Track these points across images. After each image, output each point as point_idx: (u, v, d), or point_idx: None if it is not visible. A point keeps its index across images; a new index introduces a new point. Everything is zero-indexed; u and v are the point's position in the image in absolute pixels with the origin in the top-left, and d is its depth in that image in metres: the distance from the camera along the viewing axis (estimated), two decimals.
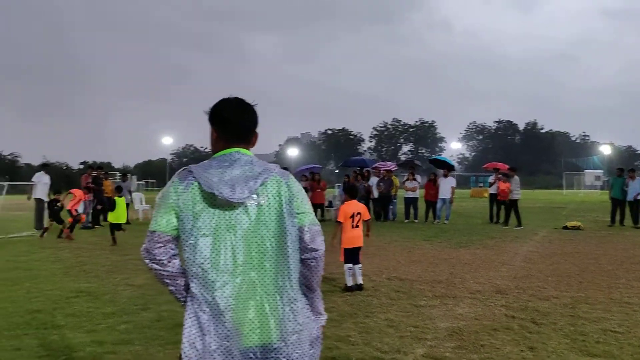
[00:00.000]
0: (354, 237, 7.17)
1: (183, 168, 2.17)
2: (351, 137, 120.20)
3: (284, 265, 2.11)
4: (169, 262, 2.09)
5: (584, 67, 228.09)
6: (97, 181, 17.04)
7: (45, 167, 17.26)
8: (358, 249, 7.22)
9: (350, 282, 7.11)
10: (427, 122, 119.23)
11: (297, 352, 2.10)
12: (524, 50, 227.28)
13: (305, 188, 18.79)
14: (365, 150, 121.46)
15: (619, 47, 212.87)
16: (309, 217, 2.19)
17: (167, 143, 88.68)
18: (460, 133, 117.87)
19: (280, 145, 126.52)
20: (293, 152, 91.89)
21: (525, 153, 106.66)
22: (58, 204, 13.64)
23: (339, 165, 24.80)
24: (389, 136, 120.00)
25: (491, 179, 18.75)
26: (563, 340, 4.97)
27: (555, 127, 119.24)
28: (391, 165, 21.01)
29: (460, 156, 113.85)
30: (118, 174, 45.92)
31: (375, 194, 18.68)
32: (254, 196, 2.09)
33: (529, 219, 19.10)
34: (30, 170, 18.03)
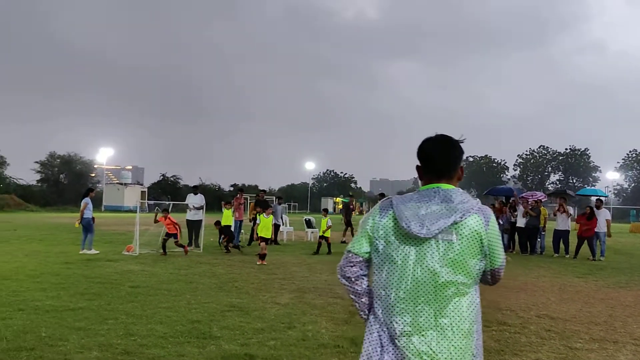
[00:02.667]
0: None
1: (387, 197, 2.34)
2: (494, 164, 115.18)
3: (463, 300, 2.19)
4: (357, 280, 2.31)
5: None
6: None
7: (195, 188, 17.38)
8: None
9: None
10: (578, 149, 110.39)
11: None
12: None
13: None
14: (509, 179, 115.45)
15: None
16: (500, 259, 2.28)
17: (310, 168, 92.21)
18: (618, 162, 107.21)
19: None
20: None
21: None
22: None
23: (484, 194, 23.78)
24: (536, 164, 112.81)
25: None
26: None
27: None
28: (540, 196, 19.78)
29: (618, 187, 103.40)
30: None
31: (522, 224, 17.70)
32: (444, 233, 2.15)
33: None
34: (188, 191, 19.83)
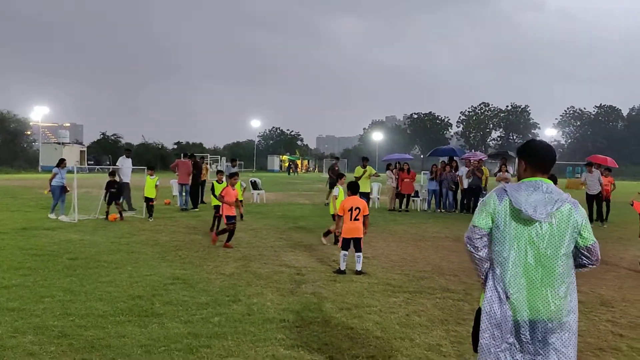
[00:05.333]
0: (351, 228, 7.98)
1: (501, 186, 3.06)
2: (438, 121, 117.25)
3: (560, 267, 2.88)
4: (481, 249, 3.03)
5: None
6: (197, 166, 17.90)
7: (128, 151, 17.22)
8: (357, 239, 7.99)
9: (343, 267, 7.93)
10: (519, 106, 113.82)
11: (554, 327, 2.87)
12: (627, 29, 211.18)
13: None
14: (452, 136, 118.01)
15: None
16: (592, 238, 2.95)
17: (255, 126, 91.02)
18: (556, 119, 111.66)
19: (364, 128, 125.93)
20: (378, 137, 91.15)
21: (630, 141, 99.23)
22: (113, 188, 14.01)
23: (428, 155, 24.23)
24: (478, 121, 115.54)
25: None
26: None
27: None
28: (482, 156, 20.25)
29: (555, 143, 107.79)
30: (209, 155, 47.62)
31: (465, 184, 18.13)
32: (548, 217, 2.87)
33: (635, 216, 17.74)
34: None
